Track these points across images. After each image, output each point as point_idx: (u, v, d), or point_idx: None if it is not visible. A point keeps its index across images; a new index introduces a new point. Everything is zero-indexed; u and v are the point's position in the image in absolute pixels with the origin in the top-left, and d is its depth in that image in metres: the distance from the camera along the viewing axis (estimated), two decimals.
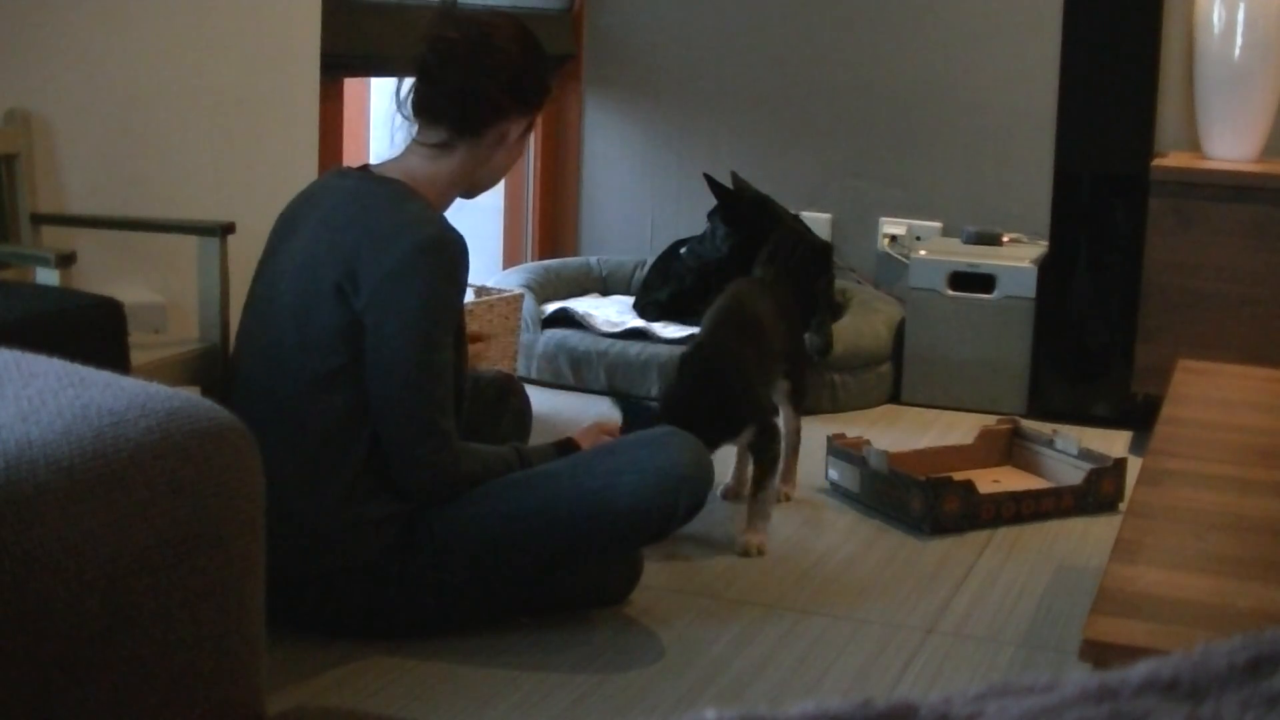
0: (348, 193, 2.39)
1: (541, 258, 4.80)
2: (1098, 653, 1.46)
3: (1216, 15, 3.84)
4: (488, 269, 4.68)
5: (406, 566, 2.35)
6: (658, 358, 4.02)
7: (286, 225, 2.44)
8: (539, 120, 2.55)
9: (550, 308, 4.29)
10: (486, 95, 2.41)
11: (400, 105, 2.45)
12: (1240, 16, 3.81)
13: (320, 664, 2.29)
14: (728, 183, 4.20)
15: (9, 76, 2.74)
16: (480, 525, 2.35)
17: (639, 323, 4.19)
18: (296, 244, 2.38)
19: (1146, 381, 3.73)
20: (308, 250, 2.35)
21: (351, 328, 2.30)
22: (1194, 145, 4.03)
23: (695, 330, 4.10)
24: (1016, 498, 3.13)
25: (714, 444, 2.71)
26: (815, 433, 3.52)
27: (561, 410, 3.91)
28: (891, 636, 2.49)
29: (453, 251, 2.32)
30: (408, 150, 2.45)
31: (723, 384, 2.85)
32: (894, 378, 4.13)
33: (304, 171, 3.32)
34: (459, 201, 2.52)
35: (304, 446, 2.32)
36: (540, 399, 3.68)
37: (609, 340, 4.11)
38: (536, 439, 2.84)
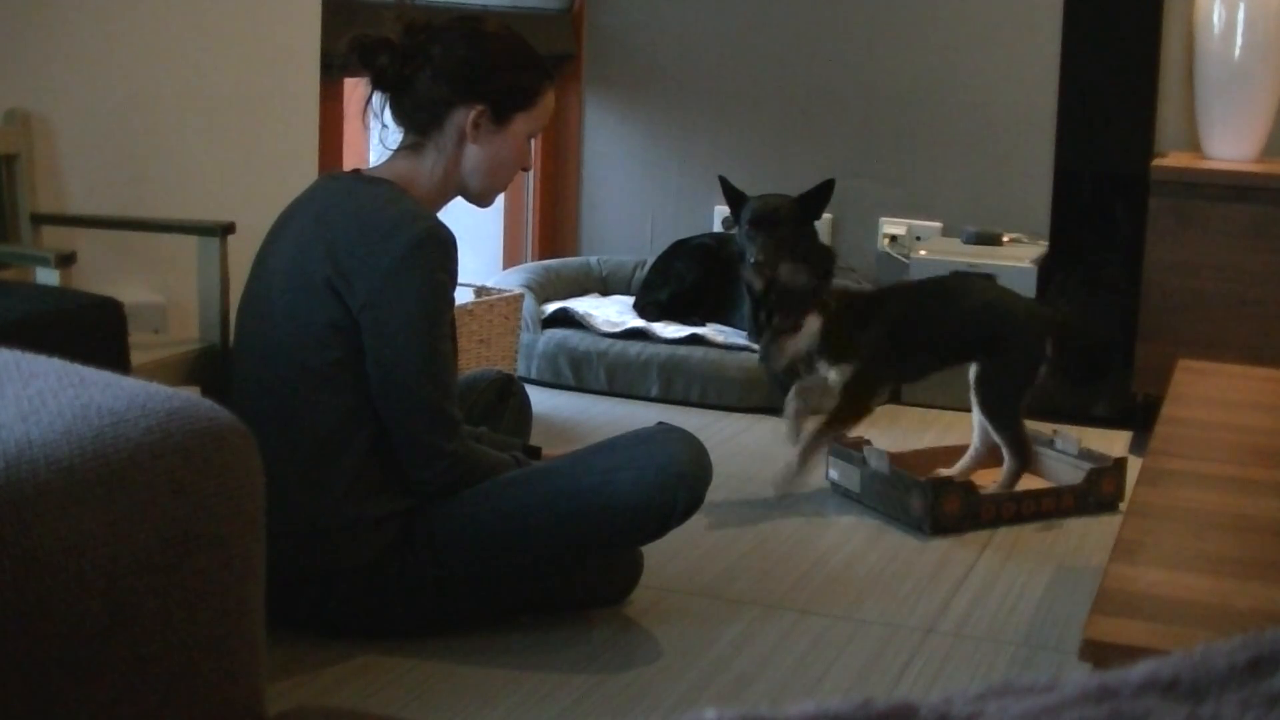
0: (339, 193, 2.40)
1: (541, 258, 4.80)
2: (1098, 653, 1.46)
3: (1216, 15, 3.84)
4: (488, 269, 4.68)
5: (406, 565, 2.35)
6: (658, 358, 4.02)
7: (280, 226, 2.45)
8: (530, 118, 2.49)
9: (550, 308, 4.29)
10: (428, 88, 2.41)
11: (369, 112, 2.47)
12: (1240, 16, 3.81)
13: (320, 664, 2.29)
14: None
15: (9, 76, 2.74)
16: (479, 523, 2.35)
17: (639, 323, 4.19)
18: (288, 242, 2.39)
19: (1146, 381, 3.74)
20: (299, 248, 2.36)
21: (344, 323, 2.31)
22: (1194, 145, 4.03)
23: (696, 330, 4.11)
24: (1016, 498, 3.13)
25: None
26: None
27: (561, 410, 3.91)
28: (891, 636, 2.49)
29: (445, 244, 2.34)
30: (394, 154, 2.48)
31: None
32: None
33: (304, 171, 3.32)
34: (459, 200, 2.53)
35: (303, 445, 2.32)
36: (540, 399, 3.68)
37: (609, 340, 4.11)
38: (536, 439, 2.85)
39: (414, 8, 2.53)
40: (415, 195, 2.41)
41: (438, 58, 2.41)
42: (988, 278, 3.32)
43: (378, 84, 2.44)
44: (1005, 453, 3.14)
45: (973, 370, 3.14)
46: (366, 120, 2.48)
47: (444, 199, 2.49)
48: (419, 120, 2.44)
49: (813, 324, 3.03)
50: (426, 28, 2.44)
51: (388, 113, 2.48)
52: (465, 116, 2.42)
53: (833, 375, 3.10)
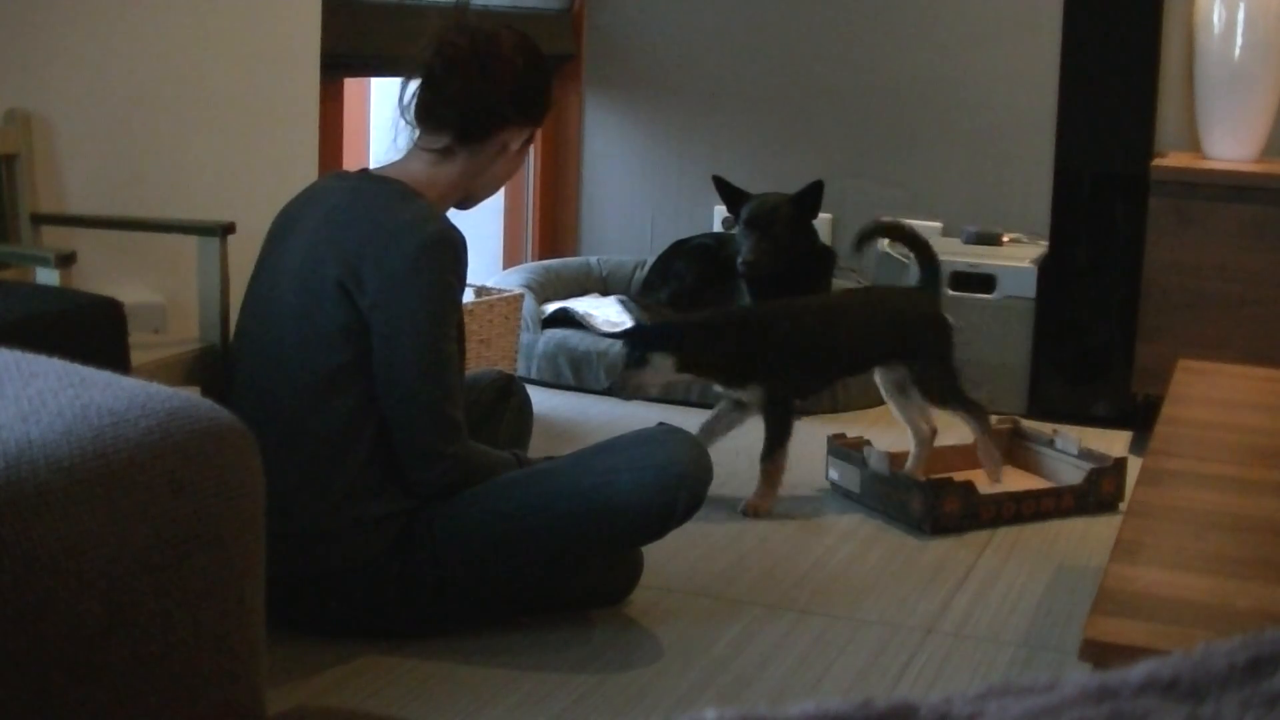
0: (349, 193, 2.40)
1: (541, 258, 4.80)
2: (1098, 653, 1.46)
3: (1216, 15, 3.84)
4: (488, 269, 4.68)
5: (406, 565, 2.35)
6: None
7: (285, 225, 2.44)
8: (538, 132, 2.57)
9: (550, 308, 4.29)
10: (490, 104, 2.42)
11: (404, 110, 2.45)
12: (1240, 16, 3.81)
13: (320, 664, 2.29)
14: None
15: (9, 76, 2.74)
16: (480, 523, 2.35)
17: None
18: (297, 243, 2.38)
19: (1146, 381, 3.74)
20: (309, 249, 2.35)
21: (355, 326, 2.31)
22: (1194, 145, 4.03)
23: None
24: (1016, 498, 3.13)
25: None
26: (815, 433, 3.52)
27: (561, 410, 3.91)
28: (891, 636, 2.49)
29: (456, 247, 2.34)
30: (409, 154, 2.46)
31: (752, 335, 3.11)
32: None
33: (304, 171, 3.32)
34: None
35: (305, 446, 2.32)
36: (540, 399, 3.67)
37: (609, 340, 4.11)
38: (536, 439, 2.85)
39: (467, 12, 2.53)
40: (427, 198, 2.41)
41: (507, 74, 2.42)
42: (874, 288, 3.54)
43: (443, 91, 2.42)
44: (968, 420, 3.25)
45: (895, 374, 3.22)
46: (408, 118, 2.46)
47: (450, 205, 2.50)
48: (469, 130, 2.43)
49: (662, 363, 3.02)
50: (493, 40, 2.44)
51: (410, 113, 2.46)
52: (515, 135, 2.45)
53: (743, 397, 3.15)
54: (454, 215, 2.53)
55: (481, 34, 2.44)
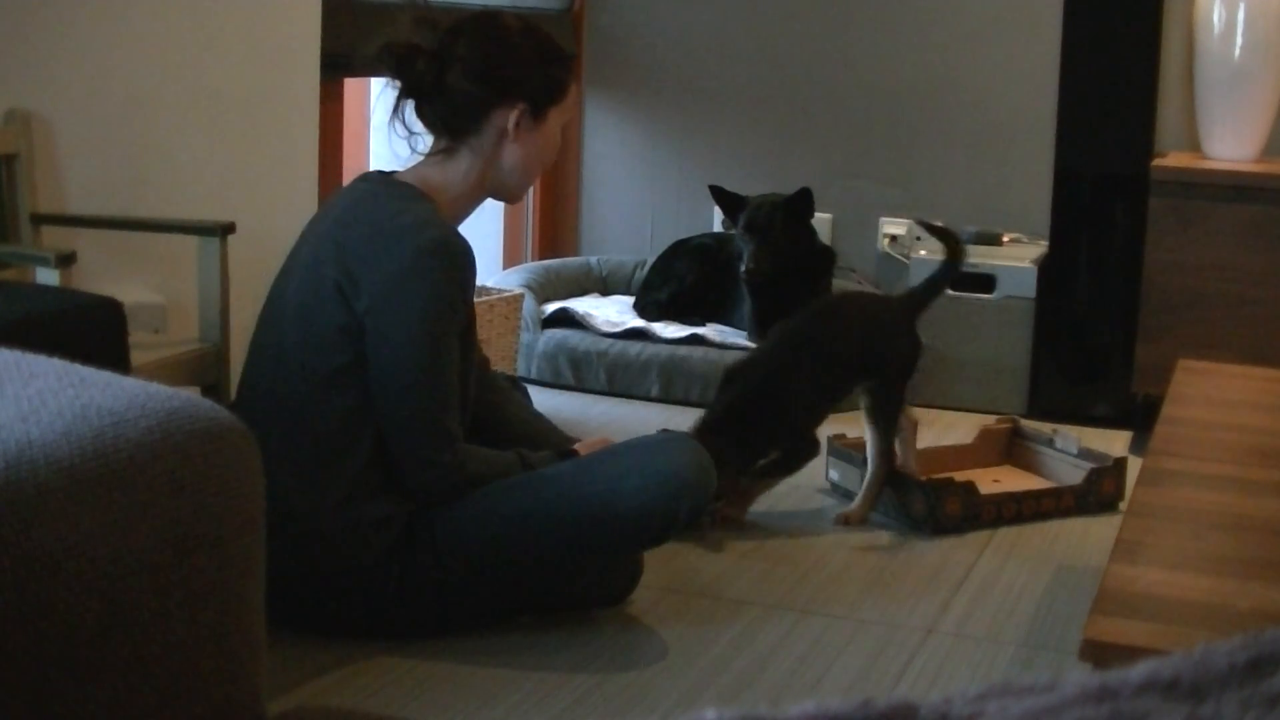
0: (359, 195, 2.39)
1: (541, 258, 4.80)
2: (1098, 653, 1.46)
3: (1216, 15, 3.84)
4: (488, 269, 4.68)
5: (407, 567, 2.35)
6: (658, 358, 4.02)
7: (307, 227, 2.45)
8: (561, 110, 2.49)
9: (550, 308, 4.29)
10: (460, 92, 2.39)
11: (396, 119, 2.44)
12: (1240, 16, 3.81)
13: (320, 664, 2.29)
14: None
15: (9, 76, 2.74)
16: (481, 526, 2.35)
17: (639, 323, 4.19)
18: (307, 245, 2.39)
19: (1146, 381, 3.73)
20: (315, 251, 2.36)
21: (353, 327, 2.30)
22: (1194, 145, 4.03)
23: (696, 330, 4.11)
24: (1017, 498, 3.13)
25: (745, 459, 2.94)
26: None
27: (562, 410, 3.91)
28: (891, 636, 2.49)
29: (456, 254, 2.32)
30: (423, 159, 2.45)
31: (769, 405, 2.96)
32: None
33: (304, 171, 3.33)
34: None
35: (306, 446, 2.32)
36: (540, 399, 3.67)
37: (609, 340, 4.11)
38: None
39: (431, 8, 2.50)
40: (444, 200, 2.40)
41: (469, 58, 2.38)
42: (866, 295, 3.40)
43: (412, 91, 2.41)
44: (878, 459, 3.05)
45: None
46: (396, 128, 2.44)
47: (476, 202, 2.48)
48: (455, 124, 2.41)
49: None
50: (455, 29, 2.41)
51: (409, 117, 2.44)
52: (506, 117, 2.40)
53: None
54: (481, 212, 2.50)
55: (443, 27, 2.41)
